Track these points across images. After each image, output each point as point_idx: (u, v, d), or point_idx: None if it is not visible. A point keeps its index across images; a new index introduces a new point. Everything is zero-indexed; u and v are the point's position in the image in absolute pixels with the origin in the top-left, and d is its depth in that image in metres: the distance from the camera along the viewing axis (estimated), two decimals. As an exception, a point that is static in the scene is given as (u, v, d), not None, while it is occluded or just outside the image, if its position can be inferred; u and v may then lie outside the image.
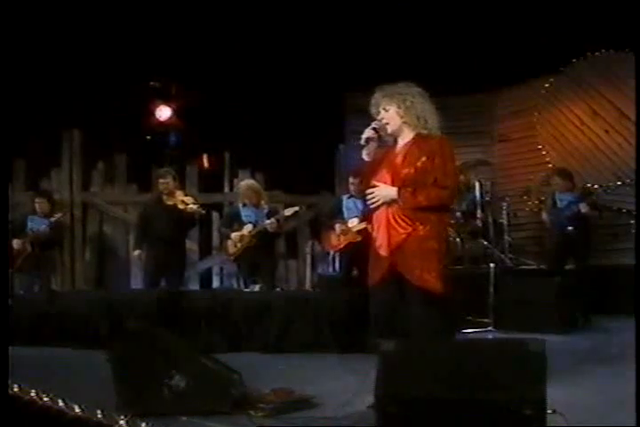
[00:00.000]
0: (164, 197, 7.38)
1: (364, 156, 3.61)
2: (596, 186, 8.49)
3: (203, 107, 9.13)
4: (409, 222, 3.45)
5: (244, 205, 7.39)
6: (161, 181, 7.41)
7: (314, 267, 9.57)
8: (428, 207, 3.46)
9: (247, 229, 7.23)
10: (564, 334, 6.30)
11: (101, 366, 5.03)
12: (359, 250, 7.05)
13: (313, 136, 9.53)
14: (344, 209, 7.30)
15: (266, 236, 7.21)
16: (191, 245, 8.79)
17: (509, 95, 9.83)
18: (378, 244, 3.52)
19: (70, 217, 9.00)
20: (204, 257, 9.50)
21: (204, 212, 7.63)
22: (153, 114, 9.29)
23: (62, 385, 3.68)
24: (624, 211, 8.44)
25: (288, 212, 7.19)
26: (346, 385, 4.29)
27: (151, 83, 9.21)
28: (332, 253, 8.18)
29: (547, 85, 9.38)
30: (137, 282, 8.95)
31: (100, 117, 8.80)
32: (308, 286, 9.26)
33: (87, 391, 4.08)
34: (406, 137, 3.64)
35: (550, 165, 9.22)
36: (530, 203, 9.21)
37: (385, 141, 3.66)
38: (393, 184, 3.52)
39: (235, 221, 7.45)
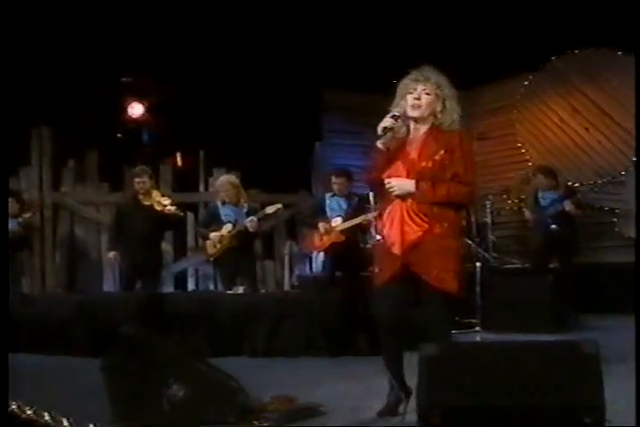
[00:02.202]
0: (141, 197, 7.15)
1: (380, 145, 3.37)
2: (576, 184, 8.45)
3: (176, 104, 8.88)
4: (425, 219, 3.25)
5: (224, 203, 7.15)
6: (137, 180, 7.16)
7: (291, 268, 9.37)
8: (445, 203, 3.27)
9: (227, 228, 7.00)
10: (555, 334, 6.21)
11: (82, 374, 4.81)
12: (343, 250, 6.93)
13: (289, 134, 9.35)
14: (327, 208, 7.12)
15: (246, 236, 6.98)
16: (165, 247, 8.51)
17: (488, 93, 9.73)
18: (390, 241, 3.30)
19: (40, 218, 8.65)
20: (178, 259, 9.23)
21: (182, 214, 7.40)
22: (125, 111, 9.03)
23: (41, 396, 3.45)
24: (606, 209, 8.41)
25: (270, 209, 6.95)
26: (345, 390, 4.14)
27: (123, 78, 8.93)
28: (314, 253, 7.99)
29: (526, 83, 9.32)
30: (109, 285, 8.68)
31: (70, 114, 8.51)
32: (286, 287, 9.04)
33: (70, 403, 3.85)
34: (422, 128, 3.42)
35: (530, 164, 9.16)
36: (510, 202, 9.13)
37: (400, 132, 3.43)
38: (408, 178, 3.31)
39: (213, 220, 7.21)
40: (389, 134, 3.35)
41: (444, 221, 3.26)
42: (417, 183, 3.27)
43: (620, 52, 8.44)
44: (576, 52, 8.84)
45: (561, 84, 9.01)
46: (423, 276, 3.23)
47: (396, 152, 3.37)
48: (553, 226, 7.42)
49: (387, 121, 3.33)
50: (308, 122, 9.76)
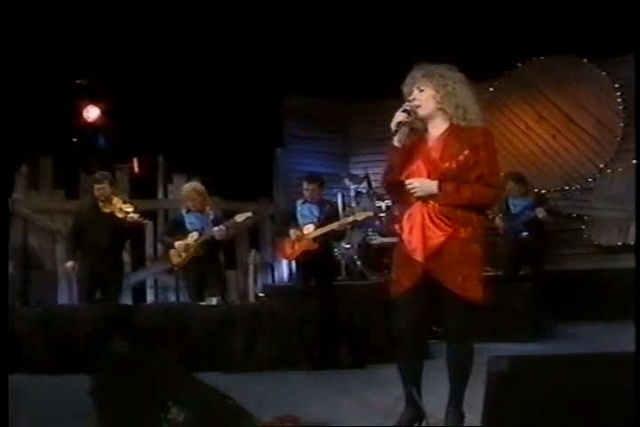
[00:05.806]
0: (100, 204, 6.83)
1: (395, 142, 3.14)
2: (543, 191, 8.40)
3: (134, 107, 8.54)
4: (449, 223, 3.03)
5: (188, 210, 6.85)
6: (96, 186, 6.83)
7: (255, 277, 9.08)
8: (469, 206, 3.06)
9: (192, 237, 6.70)
10: (534, 343, 6.11)
11: (48, 394, 4.47)
12: (316, 258, 6.70)
13: (250, 140, 9.09)
14: (298, 215, 6.91)
15: (213, 244, 6.70)
16: (123, 256, 8.13)
17: (452, 99, 9.64)
18: (411, 247, 3.06)
19: (-9, 226, 8.18)
20: (136, 269, 8.83)
21: (146, 222, 7.07)
22: (80, 114, 8.63)
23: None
24: (574, 216, 8.38)
25: (239, 218, 6.67)
26: (341, 407, 3.91)
27: (78, 80, 8.55)
28: (277, 262, 7.73)
29: (491, 89, 9.23)
30: (64, 297, 8.25)
31: (22, 118, 8.07)
32: (251, 297, 8.74)
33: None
34: (439, 126, 3.19)
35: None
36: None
37: (415, 127, 3.20)
38: (429, 178, 3.09)
39: (178, 228, 6.89)
40: (404, 130, 3.13)
41: (468, 225, 3.04)
42: (440, 184, 3.04)
43: (585, 59, 8.47)
44: (542, 58, 8.83)
45: (527, 91, 8.99)
46: (446, 284, 3.01)
47: (414, 152, 3.14)
48: (524, 233, 7.36)
49: (399, 115, 3.11)
50: (270, 128, 9.54)
